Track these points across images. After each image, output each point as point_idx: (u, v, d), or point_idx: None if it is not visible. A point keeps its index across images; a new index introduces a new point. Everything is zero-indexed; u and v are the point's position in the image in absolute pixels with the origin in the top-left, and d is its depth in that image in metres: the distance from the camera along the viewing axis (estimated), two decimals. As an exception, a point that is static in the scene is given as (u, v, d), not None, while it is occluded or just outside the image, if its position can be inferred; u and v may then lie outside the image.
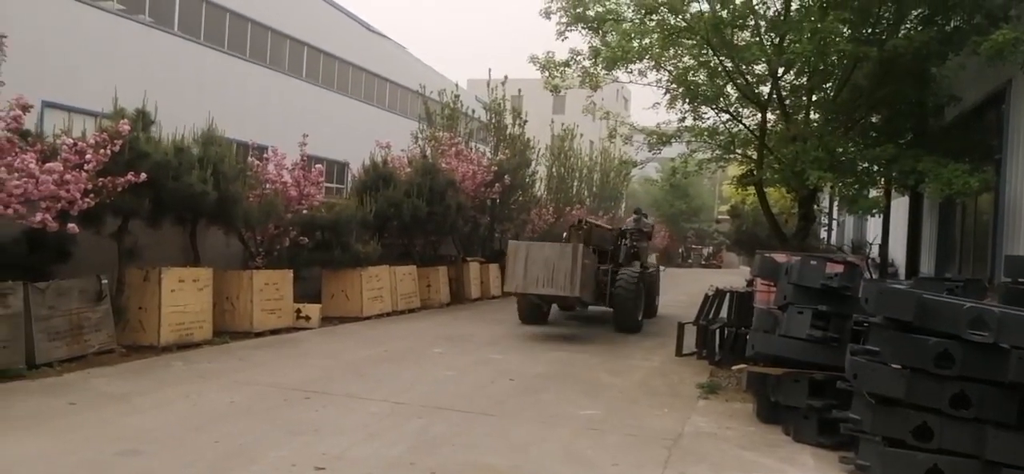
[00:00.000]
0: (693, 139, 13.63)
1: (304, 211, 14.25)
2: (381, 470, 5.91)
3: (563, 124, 30.43)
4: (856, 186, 11.08)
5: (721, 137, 13.59)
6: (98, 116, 12.40)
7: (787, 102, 12.68)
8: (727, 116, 13.39)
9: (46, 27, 18.93)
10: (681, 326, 12.45)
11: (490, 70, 22.36)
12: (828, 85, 12.68)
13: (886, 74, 11.12)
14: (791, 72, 12.24)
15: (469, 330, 14.43)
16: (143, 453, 6.07)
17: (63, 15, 19.76)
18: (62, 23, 19.64)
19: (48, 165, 8.42)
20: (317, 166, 14.78)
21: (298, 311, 13.74)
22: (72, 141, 8.96)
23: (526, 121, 23.62)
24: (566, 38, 12.01)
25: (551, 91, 13.53)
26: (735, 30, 10.79)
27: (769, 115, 12.89)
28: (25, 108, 8.96)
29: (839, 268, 7.17)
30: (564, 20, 11.56)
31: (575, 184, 32.64)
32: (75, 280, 9.90)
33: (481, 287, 20.93)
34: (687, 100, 12.90)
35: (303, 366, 10.08)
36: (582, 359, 11.52)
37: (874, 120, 12.97)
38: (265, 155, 14.03)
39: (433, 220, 17.69)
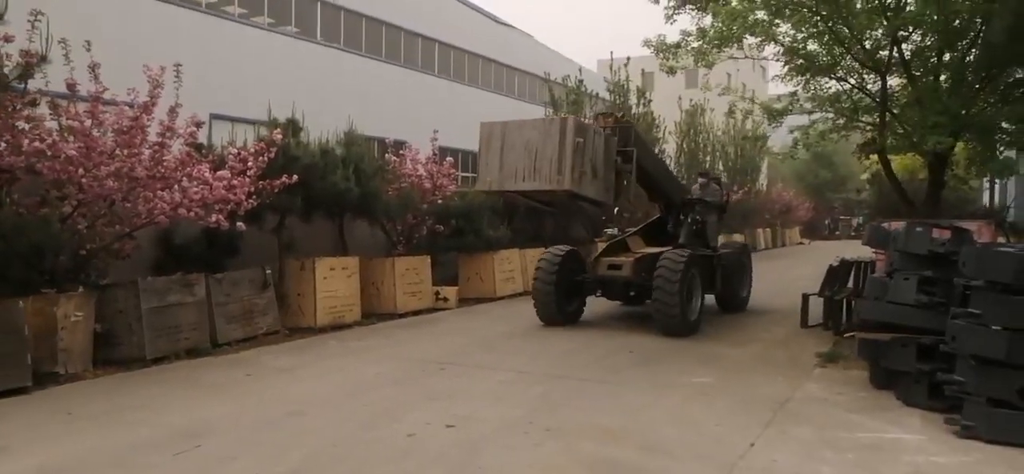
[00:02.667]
0: (815, 109, 13.46)
1: (439, 201, 15.35)
2: (503, 427, 6.69)
3: (692, 100, 30.15)
4: (985, 148, 10.64)
5: (844, 105, 13.33)
6: (256, 124, 14.02)
7: (912, 65, 12.29)
8: (847, 84, 13.10)
9: (212, 45, 21.13)
10: (805, 297, 12.46)
11: (611, 53, 22.69)
12: (962, 43, 12.18)
13: (1021, 28, 10.61)
14: (916, 34, 11.86)
15: (594, 305, 15.02)
16: (306, 414, 7.17)
17: (224, 34, 21.97)
18: (225, 41, 21.83)
19: (219, 173, 9.82)
20: (448, 159, 15.84)
21: (437, 293, 14.87)
22: (236, 151, 10.37)
23: (650, 100, 23.76)
24: (674, 21, 12.28)
25: (667, 73, 13.79)
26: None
27: (895, 79, 12.52)
28: (198, 124, 10.42)
29: (946, 233, 7.19)
30: (672, 4, 11.85)
31: (707, 159, 32.28)
32: (245, 271, 11.38)
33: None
34: (803, 73, 12.77)
35: (440, 342, 11.08)
36: (702, 332, 11.83)
37: (1016, 79, 12.31)
38: (401, 151, 15.23)
39: (557, 203, 18.33)
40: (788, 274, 21.83)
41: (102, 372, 9.00)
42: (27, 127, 8.61)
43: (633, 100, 23.95)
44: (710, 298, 13.14)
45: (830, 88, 13.53)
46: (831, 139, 14.80)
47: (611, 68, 23.26)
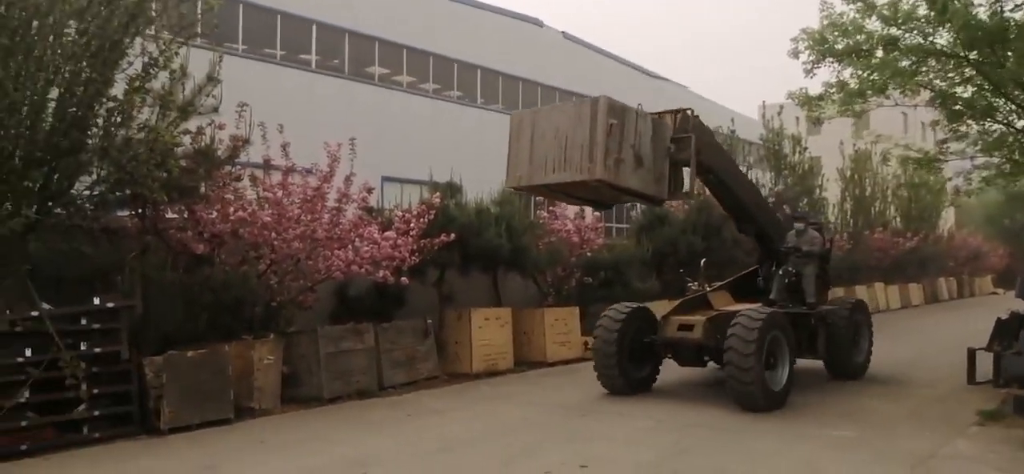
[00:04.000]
0: (978, 154, 12.86)
1: (587, 254, 16.02)
2: (632, 470, 7.15)
3: (855, 146, 28.96)
4: None
5: (1011, 147, 12.63)
6: (422, 184, 15.45)
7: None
8: (1002, 127, 12.43)
9: (383, 114, 23.19)
10: (972, 352, 11.80)
11: (763, 102, 22.52)
12: None
13: None
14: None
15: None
16: (454, 450, 8.01)
17: (394, 103, 24.00)
18: (395, 109, 23.85)
19: (386, 233, 11.09)
20: (595, 214, 16.52)
21: (586, 343, 15.43)
22: (401, 213, 11.63)
23: (806, 148, 23.27)
24: (814, 75, 12.27)
25: (812, 122, 13.73)
26: (999, 44, 10.23)
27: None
28: (369, 190, 11.84)
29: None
30: (811, 58, 11.92)
31: (877, 204, 30.73)
32: (408, 321, 12.57)
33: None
34: (957, 119, 12.29)
35: (585, 389, 11.60)
36: (850, 385, 11.55)
37: None
38: (551, 208, 16.10)
39: (709, 254, 18.42)
40: (969, 327, 20.34)
41: (288, 408, 10.35)
42: (232, 198, 10.26)
43: (788, 148, 23.56)
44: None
45: (995, 131, 12.88)
46: (997, 183, 13.95)
47: (763, 117, 23.10)
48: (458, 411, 10.19)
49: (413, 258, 11.29)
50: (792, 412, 9.73)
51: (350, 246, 10.80)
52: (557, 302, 15.47)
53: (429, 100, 25.51)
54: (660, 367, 11.47)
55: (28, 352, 7.96)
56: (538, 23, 29.25)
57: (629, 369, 10.90)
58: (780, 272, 11.45)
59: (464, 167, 14.82)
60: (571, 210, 16.32)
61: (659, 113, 9.85)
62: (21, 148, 7.97)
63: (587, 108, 8.82)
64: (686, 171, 9.92)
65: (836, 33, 11.36)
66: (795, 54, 11.87)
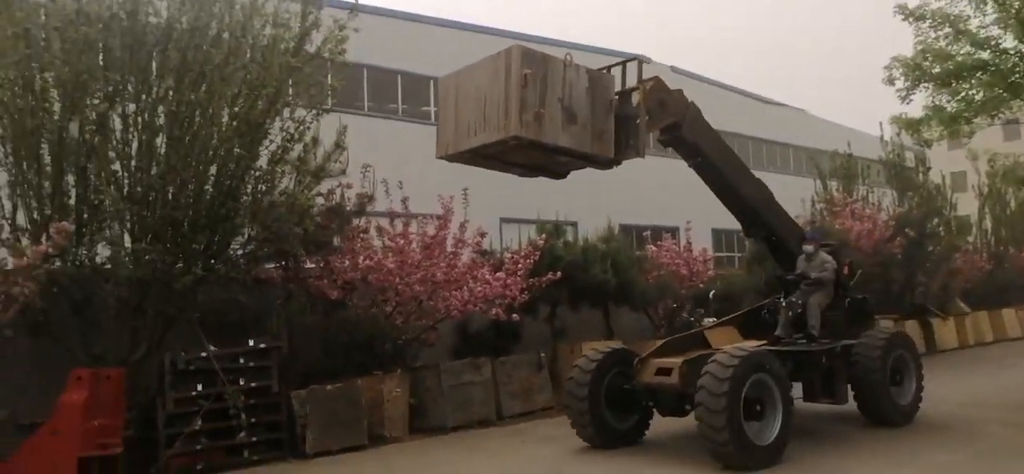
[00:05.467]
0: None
1: (699, 285, 16.37)
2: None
3: (991, 161, 27.36)
4: None
5: None
6: (537, 223, 16.37)
7: None
8: None
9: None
10: None
11: (880, 124, 21.91)
12: None
13: None
14: None
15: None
16: (562, 472, 8.74)
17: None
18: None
19: (497, 274, 12.06)
20: (702, 248, 16.85)
21: (698, 373, 15.73)
22: (511, 255, 12.59)
23: (929, 168, 22.42)
24: (911, 100, 12.20)
25: (921, 145, 13.58)
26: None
27: None
28: (483, 235, 12.89)
29: None
30: (906, 84, 11.92)
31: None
32: (523, 355, 13.43)
33: (897, 342, 20.35)
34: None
35: (689, 418, 11.98)
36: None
37: None
38: (659, 242, 16.61)
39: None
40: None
41: (415, 437, 11.40)
42: (361, 248, 11.56)
43: (912, 167, 22.80)
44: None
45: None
46: None
47: (881, 138, 22.50)
48: (568, 439, 10.83)
49: (523, 296, 12.18)
50: (911, 433, 9.62)
51: (465, 287, 11.82)
52: (669, 333, 15.87)
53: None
54: (650, 418, 10.07)
55: (199, 387, 9.45)
56: (646, 59, 29.82)
57: (608, 419, 9.70)
58: (784, 303, 10.22)
59: (578, 203, 15.59)
60: (692, 239, 16.71)
61: (607, 67, 8.93)
62: (189, 217, 9.55)
63: (501, 60, 7.82)
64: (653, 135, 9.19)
65: (929, 59, 11.37)
66: (889, 81, 11.95)
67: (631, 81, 8.95)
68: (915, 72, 11.51)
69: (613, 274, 13.94)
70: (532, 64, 7.72)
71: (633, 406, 9.87)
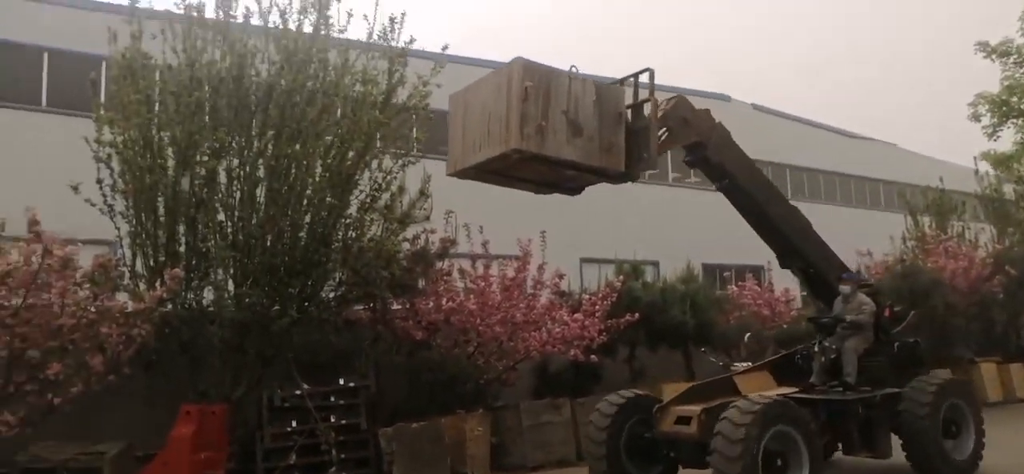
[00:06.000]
0: None
1: (783, 326, 16.16)
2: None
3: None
4: None
5: None
6: (616, 263, 16.55)
7: None
8: None
9: (580, 199, 24.73)
10: None
11: (975, 159, 21.08)
12: None
13: None
14: None
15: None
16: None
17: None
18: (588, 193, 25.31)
19: (575, 315, 12.32)
20: (784, 288, 16.65)
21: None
22: (588, 297, 12.84)
23: (1031, 199, 21.40)
24: (998, 137, 11.88)
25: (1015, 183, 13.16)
26: None
27: None
28: (561, 277, 13.18)
29: None
30: (993, 120, 11.63)
31: None
32: (603, 396, 13.54)
33: (1001, 389, 19.37)
34: None
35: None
36: None
37: None
38: (740, 282, 16.52)
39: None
40: None
41: (496, 474, 11.73)
42: (443, 290, 12.05)
43: (1012, 200, 21.85)
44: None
45: None
46: None
47: (976, 173, 21.67)
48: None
49: (601, 337, 12.38)
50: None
51: (544, 328, 12.13)
52: (751, 374, 15.69)
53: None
54: (677, 468, 9.31)
55: (294, 423, 10.06)
56: (726, 98, 29.74)
57: (629, 470, 9.09)
58: (818, 348, 9.65)
59: (658, 242, 15.73)
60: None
61: (620, 80, 8.76)
62: (285, 262, 10.27)
63: (504, 75, 7.77)
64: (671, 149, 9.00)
65: (1017, 96, 11.10)
66: (975, 117, 11.69)
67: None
68: (1002, 108, 11.25)
69: (692, 315, 13.97)
70: (534, 77, 7.59)
71: (656, 456, 9.17)
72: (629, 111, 8.39)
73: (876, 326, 9.82)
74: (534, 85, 7.51)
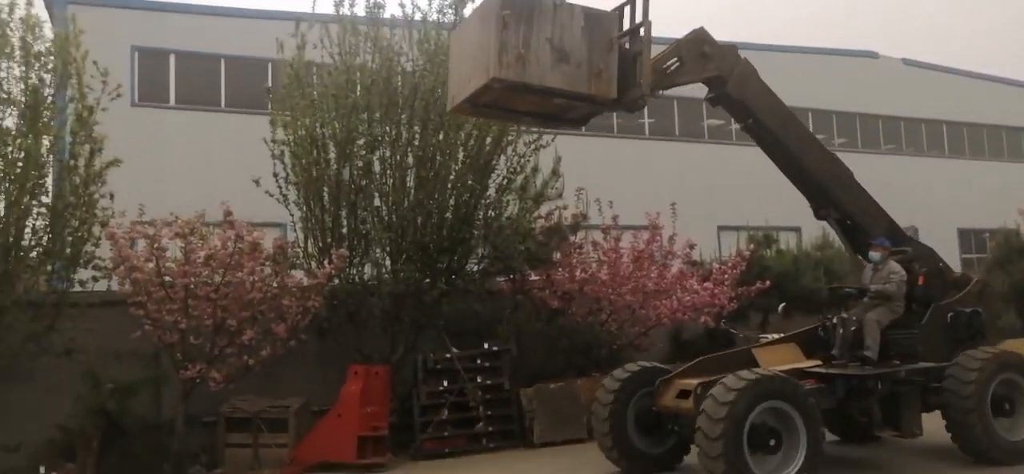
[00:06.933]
0: None
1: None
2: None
3: None
4: None
5: None
6: (756, 230, 16.64)
7: None
8: None
9: (717, 168, 24.68)
10: None
11: None
12: None
13: None
14: None
15: None
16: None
17: (726, 156, 25.32)
18: (727, 163, 25.16)
19: (705, 283, 12.77)
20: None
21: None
22: (718, 265, 13.21)
23: None
24: None
25: None
26: None
27: None
28: (691, 246, 13.63)
29: None
30: None
31: None
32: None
33: None
34: None
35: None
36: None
37: None
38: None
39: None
40: None
41: (630, 434, 12.44)
42: (577, 262, 12.86)
43: None
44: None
45: None
46: None
47: None
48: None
49: (731, 305, 12.76)
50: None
51: (674, 296, 12.66)
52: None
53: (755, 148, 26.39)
54: (687, 445, 8.89)
55: (445, 383, 11.27)
56: (873, 54, 28.42)
57: (638, 444, 9.00)
58: (835, 320, 9.13)
59: (799, 209, 15.60)
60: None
61: (618, 8, 8.32)
62: (434, 241, 11.45)
63: (487, 6, 7.72)
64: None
65: None
66: None
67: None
68: None
69: (826, 282, 13.97)
70: (512, 6, 7.44)
71: (667, 430, 9.02)
72: (627, 39, 8.18)
73: (909, 296, 9.19)
74: (513, 13, 7.40)
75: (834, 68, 27.08)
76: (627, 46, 8.15)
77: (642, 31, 8.07)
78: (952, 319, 9.14)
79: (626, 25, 8.20)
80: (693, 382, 8.31)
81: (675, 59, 8.51)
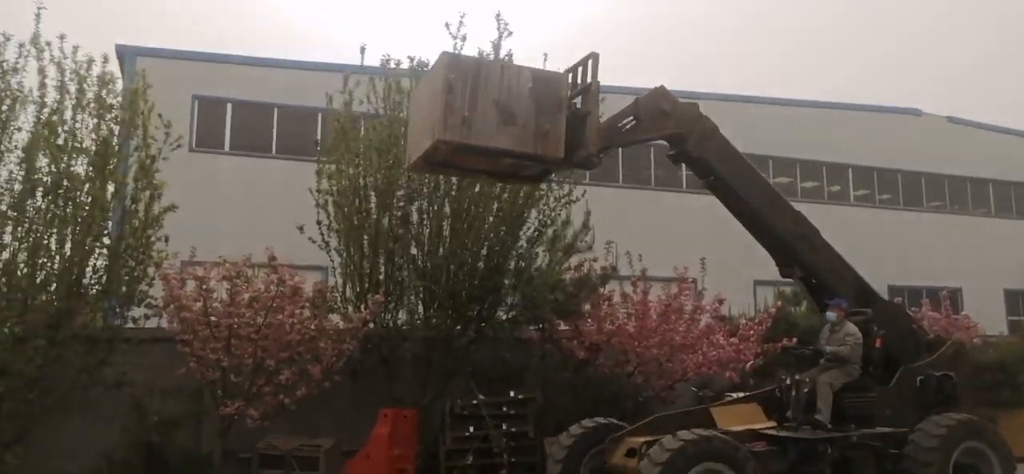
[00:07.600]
0: None
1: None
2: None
3: None
4: None
5: None
6: (785, 284, 16.67)
7: None
8: None
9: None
10: None
11: None
12: None
13: None
14: None
15: None
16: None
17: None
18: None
19: (731, 338, 12.93)
20: (964, 314, 15.98)
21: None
22: (746, 321, 13.37)
23: None
24: None
25: None
26: None
27: None
28: (720, 301, 13.81)
29: None
30: None
31: None
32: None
33: None
34: None
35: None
36: None
37: None
38: (913, 308, 16.09)
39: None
40: None
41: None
42: (605, 314, 13.15)
43: None
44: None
45: None
46: None
47: None
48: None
49: (757, 360, 12.88)
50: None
51: (700, 351, 12.85)
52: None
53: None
54: None
55: (471, 429, 11.60)
56: (916, 112, 28.32)
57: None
58: (789, 382, 9.04)
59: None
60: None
61: (572, 68, 8.55)
62: (466, 289, 11.90)
63: (434, 70, 8.07)
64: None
65: None
66: None
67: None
68: None
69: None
70: (457, 69, 7.79)
71: None
72: (579, 99, 8.36)
73: (867, 358, 9.14)
74: (458, 77, 7.67)
75: (877, 125, 27.06)
76: (578, 106, 8.35)
77: (592, 90, 8.28)
78: (921, 383, 9.02)
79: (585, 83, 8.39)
80: (640, 441, 8.28)
81: (631, 118, 8.65)
